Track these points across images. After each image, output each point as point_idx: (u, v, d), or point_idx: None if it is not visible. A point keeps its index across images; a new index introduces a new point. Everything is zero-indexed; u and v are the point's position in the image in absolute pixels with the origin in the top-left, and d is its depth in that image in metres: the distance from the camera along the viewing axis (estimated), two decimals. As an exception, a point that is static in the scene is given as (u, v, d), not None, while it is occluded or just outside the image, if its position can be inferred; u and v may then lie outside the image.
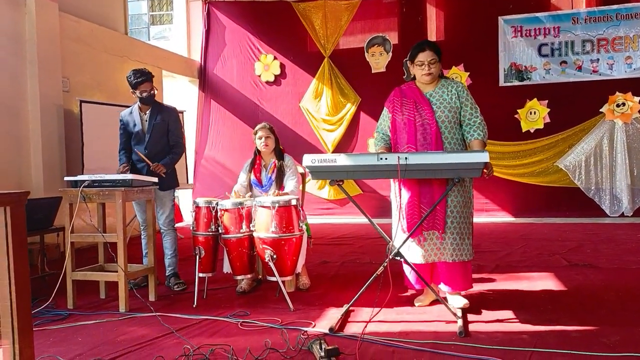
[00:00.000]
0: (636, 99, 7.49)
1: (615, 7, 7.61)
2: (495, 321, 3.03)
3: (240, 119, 9.22)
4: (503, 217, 7.95)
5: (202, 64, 9.48)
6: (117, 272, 3.56)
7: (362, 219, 8.21)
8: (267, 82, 9.09)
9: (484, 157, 2.91)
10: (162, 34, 12.94)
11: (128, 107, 4.32)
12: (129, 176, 3.66)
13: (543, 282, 3.94)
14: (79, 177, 3.71)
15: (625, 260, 4.62)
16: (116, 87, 7.32)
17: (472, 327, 2.92)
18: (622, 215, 7.50)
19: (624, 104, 7.55)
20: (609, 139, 7.63)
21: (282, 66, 9.03)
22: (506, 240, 5.87)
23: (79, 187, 3.58)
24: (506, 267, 4.47)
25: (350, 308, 3.21)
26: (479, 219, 7.58)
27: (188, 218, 8.69)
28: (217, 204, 3.84)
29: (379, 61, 8.62)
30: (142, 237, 4.20)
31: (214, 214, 3.82)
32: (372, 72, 8.61)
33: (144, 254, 4.18)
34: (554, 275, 4.11)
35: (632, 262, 4.53)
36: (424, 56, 3.25)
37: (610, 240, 5.70)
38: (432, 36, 8.50)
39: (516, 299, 3.47)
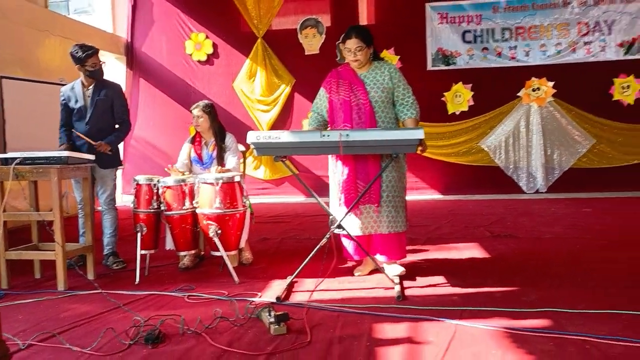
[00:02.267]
0: (550, 83, 8.06)
1: (534, -4, 8.13)
2: (429, 286, 3.28)
3: (172, 98, 9.03)
4: (432, 195, 8.35)
5: (129, 40, 9.16)
6: (53, 251, 3.48)
7: (298, 198, 8.35)
8: (200, 62, 8.94)
9: (419, 134, 3.13)
10: (84, 8, 12.33)
11: (52, 84, 4.18)
12: (65, 153, 3.58)
13: (469, 251, 4.26)
14: (10, 154, 3.58)
15: (541, 231, 5.07)
16: (38, 64, 6.95)
17: (408, 292, 3.14)
18: (537, 191, 8.11)
19: (539, 89, 8.12)
20: (525, 121, 8.19)
21: (214, 46, 8.91)
22: (435, 216, 6.22)
23: (10, 165, 3.45)
24: (436, 239, 4.77)
25: (294, 279, 3.34)
26: (410, 196, 7.92)
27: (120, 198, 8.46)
28: (158, 181, 3.83)
29: (312, 43, 8.71)
30: (80, 216, 4.10)
31: (155, 191, 3.81)
32: (306, 53, 8.70)
33: (80, 233, 4.09)
34: (479, 245, 4.45)
35: (547, 232, 4.97)
36: (351, 44, 3.41)
37: (528, 214, 6.19)
38: (363, 20, 8.70)
39: (446, 267, 3.75)
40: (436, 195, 8.33)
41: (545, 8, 8.11)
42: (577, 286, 3.16)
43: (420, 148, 3.31)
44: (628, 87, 7.90)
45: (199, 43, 8.92)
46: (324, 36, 8.65)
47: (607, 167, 7.94)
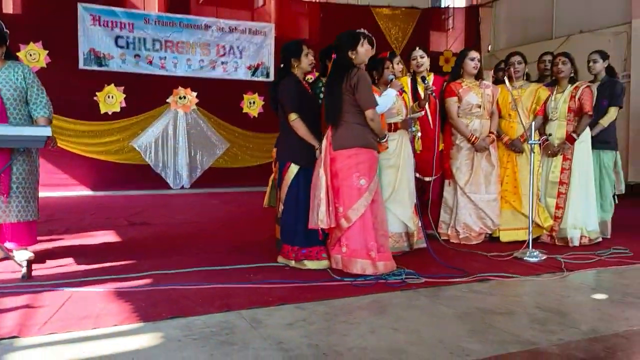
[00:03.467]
0: (194, 93, 9.24)
1: (179, 16, 9.17)
2: (57, 267, 3.70)
3: None
4: (82, 191, 8.50)
5: None
6: None
7: None
8: None
9: (46, 132, 3.53)
10: None
11: None
12: None
13: (104, 237, 4.83)
14: None
15: (174, 218, 6.02)
16: None
17: (36, 273, 3.50)
18: (182, 187, 9.19)
19: (185, 97, 9.22)
20: (173, 125, 9.17)
21: None
22: (81, 210, 6.53)
23: None
24: (76, 229, 5.16)
25: None
26: (59, 192, 7.97)
27: None
28: None
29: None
30: None
31: None
32: None
33: None
34: (115, 233, 5.05)
35: (177, 219, 5.95)
36: None
37: (168, 206, 7.11)
38: (7, 8, 8.25)
39: (78, 251, 4.22)
40: (86, 192, 8.54)
41: (191, 28, 9.27)
42: (181, 254, 4.09)
43: (51, 144, 3.68)
44: (254, 102, 9.72)
45: None
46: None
47: (239, 167, 9.61)
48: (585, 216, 4.57)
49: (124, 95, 8.85)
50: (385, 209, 3.78)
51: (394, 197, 4.13)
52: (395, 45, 10.86)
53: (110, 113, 8.79)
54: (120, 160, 8.86)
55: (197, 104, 9.28)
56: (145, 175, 9.00)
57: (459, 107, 4.67)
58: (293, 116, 3.69)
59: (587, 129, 4.65)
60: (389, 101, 3.86)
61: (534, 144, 4.17)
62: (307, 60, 3.81)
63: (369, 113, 3.54)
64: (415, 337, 2.45)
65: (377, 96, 3.78)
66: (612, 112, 4.86)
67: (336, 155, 3.56)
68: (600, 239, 4.66)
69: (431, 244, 4.43)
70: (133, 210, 6.56)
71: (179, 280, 3.33)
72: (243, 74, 9.63)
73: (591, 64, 4.96)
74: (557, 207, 4.60)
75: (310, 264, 3.69)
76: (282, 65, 3.88)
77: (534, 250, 4.07)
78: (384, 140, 3.73)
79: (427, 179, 4.76)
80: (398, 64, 4.55)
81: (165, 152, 9.12)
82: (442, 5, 12.53)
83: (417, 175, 4.76)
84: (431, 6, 11.97)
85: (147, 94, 8.96)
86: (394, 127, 4.16)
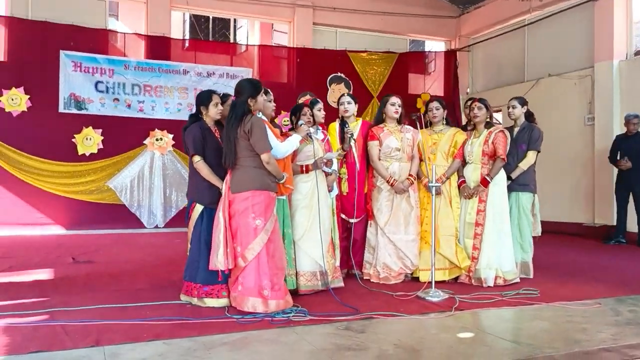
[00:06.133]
0: (170, 135, 9.57)
1: (158, 62, 9.60)
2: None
3: None
4: (56, 230, 8.75)
5: None
6: None
7: None
8: None
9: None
10: None
11: None
12: None
13: (36, 275, 4.98)
14: None
15: (125, 257, 6.22)
16: None
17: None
18: (157, 226, 9.41)
19: (161, 139, 9.55)
20: (149, 166, 9.47)
21: None
22: (41, 248, 6.72)
23: None
24: (17, 267, 5.39)
25: None
26: (31, 231, 8.27)
27: None
28: None
29: None
30: None
31: None
32: None
33: None
34: (51, 270, 5.22)
35: (129, 257, 6.18)
36: None
37: (131, 244, 7.33)
38: (-3, 55, 8.80)
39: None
40: (61, 231, 8.79)
41: (169, 73, 9.69)
42: (96, 291, 4.26)
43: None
44: (228, 144, 10.00)
45: None
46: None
47: (213, 206, 9.81)
48: (500, 257, 4.64)
49: (102, 137, 9.21)
50: (283, 248, 3.92)
51: (307, 236, 4.28)
52: (372, 88, 11.18)
53: (87, 154, 9.14)
54: (96, 199, 9.15)
55: (173, 146, 9.60)
56: (121, 214, 9.26)
57: (380, 150, 4.85)
58: (196, 158, 3.94)
59: (502, 172, 4.77)
60: (290, 146, 4.05)
61: (433, 186, 4.30)
62: (215, 109, 4.08)
63: (264, 157, 3.73)
64: (253, 372, 2.57)
65: (278, 141, 3.99)
66: (531, 156, 4.99)
67: (234, 198, 3.75)
68: (517, 280, 4.71)
69: (349, 283, 4.55)
70: (90, 248, 6.77)
71: (75, 317, 3.49)
72: (219, 117, 9.96)
73: (510, 109, 5.14)
74: (474, 248, 4.68)
75: (210, 302, 3.83)
76: (193, 112, 4.17)
77: (436, 290, 4.15)
78: (283, 181, 3.90)
79: (351, 220, 4.92)
80: (319, 110, 4.77)
81: (140, 192, 9.40)
82: (423, 49, 12.89)
83: (343, 216, 4.94)
84: (410, 50, 12.32)
85: (125, 135, 9.31)
86: (305, 169, 4.34)
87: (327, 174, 4.57)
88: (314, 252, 4.27)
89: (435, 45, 12.75)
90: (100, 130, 9.21)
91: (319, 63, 10.75)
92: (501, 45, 11.15)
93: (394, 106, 4.88)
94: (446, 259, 4.71)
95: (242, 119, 3.74)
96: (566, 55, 9.53)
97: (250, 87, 3.87)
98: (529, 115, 5.13)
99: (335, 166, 4.71)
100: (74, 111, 9.09)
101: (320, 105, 4.81)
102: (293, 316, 3.52)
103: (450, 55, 12.09)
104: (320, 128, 4.83)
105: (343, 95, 5.10)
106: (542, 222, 5.19)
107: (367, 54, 11.24)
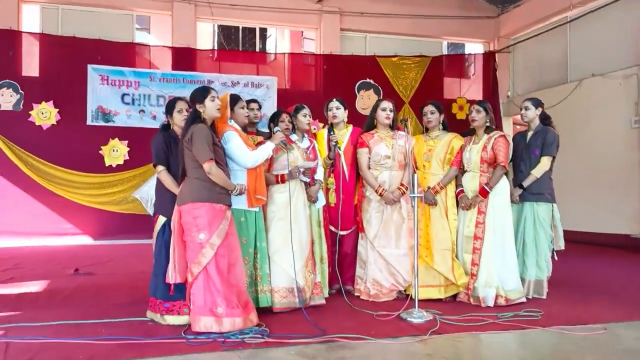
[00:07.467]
0: (195, 146, 9.59)
1: (182, 72, 9.67)
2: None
3: None
4: (85, 241, 8.94)
5: None
6: None
7: None
8: None
9: None
10: None
11: None
12: None
13: (29, 287, 4.94)
14: None
15: (128, 269, 6.19)
16: None
17: None
18: (181, 237, 9.41)
19: (186, 149, 9.58)
20: (174, 176, 9.51)
21: None
22: (51, 260, 6.75)
23: None
24: (18, 278, 5.41)
25: None
26: (59, 241, 8.45)
27: None
28: None
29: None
30: None
31: None
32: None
33: None
34: (47, 282, 5.21)
35: (132, 270, 6.17)
36: None
37: (143, 256, 7.28)
38: (28, 71, 9.12)
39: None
40: (88, 241, 8.96)
41: (193, 83, 9.68)
42: (72, 306, 4.17)
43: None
44: (252, 153, 9.89)
45: None
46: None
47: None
48: (501, 274, 4.17)
49: (128, 149, 9.34)
50: (242, 263, 3.67)
51: (282, 250, 4.02)
52: (404, 94, 10.76)
53: (114, 165, 9.30)
54: (122, 210, 9.27)
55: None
56: (147, 224, 9.29)
57: (369, 158, 4.52)
58: (159, 168, 3.80)
59: (505, 180, 4.31)
60: (261, 154, 3.82)
61: (414, 197, 3.91)
62: (179, 116, 3.92)
63: (205, 167, 3.49)
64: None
65: (248, 149, 3.77)
66: (545, 162, 4.48)
67: (180, 210, 3.57)
68: (523, 299, 4.22)
69: (335, 300, 4.26)
70: (102, 259, 6.81)
71: (31, 334, 3.39)
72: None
73: (523, 111, 4.65)
74: (473, 264, 4.25)
75: (170, 319, 3.64)
76: (163, 123, 4.04)
77: (420, 310, 3.76)
78: (236, 192, 3.65)
79: (340, 232, 4.60)
80: (305, 116, 4.51)
81: (163, 202, 9.43)
82: (462, 52, 12.32)
83: (332, 228, 4.63)
84: (446, 54, 11.80)
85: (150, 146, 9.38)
86: (281, 179, 4.09)
87: (309, 184, 4.29)
88: (289, 266, 3.99)
89: (474, 48, 12.16)
90: (127, 142, 9.34)
91: (347, 69, 10.46)
92: (542, 45, 10.45)
93: (385, 111, 4.53)
94: (441, 275, 4.30)
95: (189, 128, 3.57)
96: (611, 54, 8.76)
97: (196, 94, 3.70)
98: (546, 118, 4.61)
99: (319, 175, 4.42)
100: (101, 123, 9.27)
101: (306, 111, 4.55)
102: (249, 337, 3.26)
103: (488, 57, 11.48)
104: (306, 135, 4.57)
105: (331, 100, 4.77)
106: (583, 234, 4.69)
107: (398, 58, 10.85)
